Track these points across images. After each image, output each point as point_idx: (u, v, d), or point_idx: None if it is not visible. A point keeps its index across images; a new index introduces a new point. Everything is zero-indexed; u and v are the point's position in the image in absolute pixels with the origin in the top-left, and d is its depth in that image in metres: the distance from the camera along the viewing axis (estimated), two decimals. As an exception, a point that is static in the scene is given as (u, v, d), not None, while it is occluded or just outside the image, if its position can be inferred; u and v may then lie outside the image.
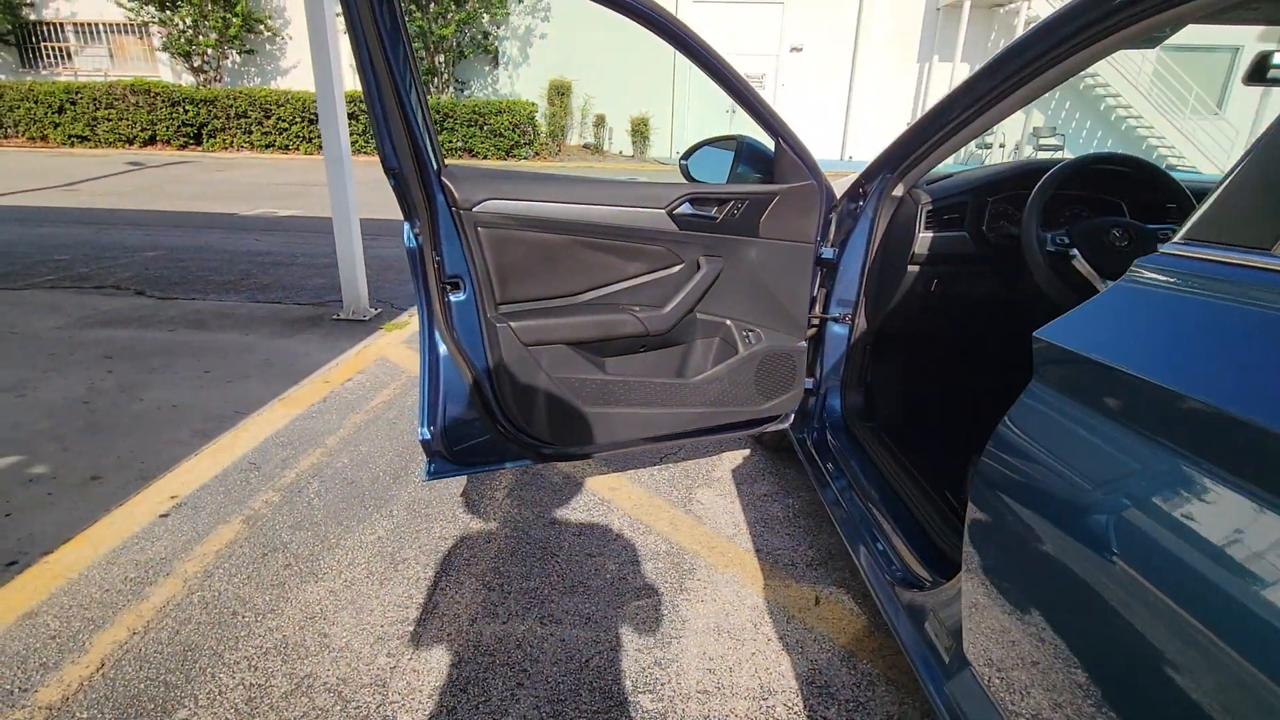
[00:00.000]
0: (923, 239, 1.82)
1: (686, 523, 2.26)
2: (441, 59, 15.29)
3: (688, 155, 2.06)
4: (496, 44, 15.91)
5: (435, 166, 1.50)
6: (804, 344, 1.99)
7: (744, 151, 1.92)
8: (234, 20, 15.08)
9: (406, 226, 1.59)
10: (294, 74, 16.18)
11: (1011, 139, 16.02)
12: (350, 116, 14.15)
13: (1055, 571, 0.82)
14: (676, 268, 1.78)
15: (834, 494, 1.91)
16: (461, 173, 1.53)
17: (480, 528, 2.19)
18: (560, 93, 15.68)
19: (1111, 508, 0.78)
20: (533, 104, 14.81)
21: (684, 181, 2.01)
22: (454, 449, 1.75)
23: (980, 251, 1.85)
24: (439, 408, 1.70)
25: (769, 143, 1.92)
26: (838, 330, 2.09)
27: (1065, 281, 1.58)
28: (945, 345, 2.23)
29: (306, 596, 1.85)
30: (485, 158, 14.73)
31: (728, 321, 1.90)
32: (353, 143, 14.34)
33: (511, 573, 1.98)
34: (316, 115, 14.37)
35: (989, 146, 15.46)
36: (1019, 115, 15.93)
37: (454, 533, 2.15)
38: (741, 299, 1.88)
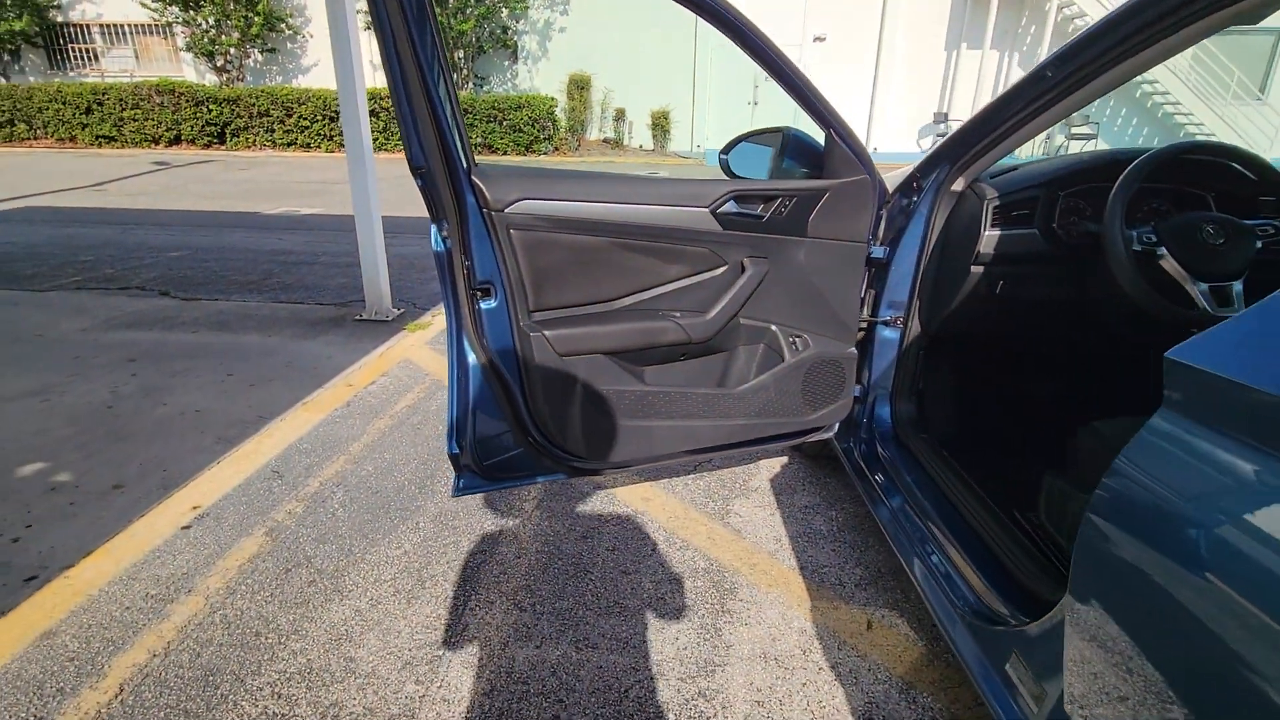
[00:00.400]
0: (989, 237, 1.69)
1: (725, 537, 2.15)
2: (461, 54, 15.24)
3: (729, 149, 1.94)
4: (516, 38, 15.82)
5: (465, 165, 1.40)
6: (853, 350, 1.87)
7: (790, 144, 1.79)
8: (255, 19, 15.15)
9: (434, 229, 1.49)
10: (315, 72, 16.24)
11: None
12: (371, 113, 14.17)
13: (1200, 633, 0.70)
14: (720, 270, 1.66)
15: (888, 511, 1.79)
16: (493, 172, 1.43)
17: (510, 542, 2.09)
18: (580, 87, 15.56)
19: (1273, 562, 0.65)
20: (552, 99, 14.71)
21: (725, 178, 1.89)
22: (484, 464, 1.66)
23: (1051, 250, 1.71)
24: (468, 421, 1.60)
25: (816, 134, 1.79)
26: (888, 334, 1.96)
27: (1152, 283, 1.44)
28: (1008, 351, 2.08)
29: (331, 616, 1.77)
30: (505, 153, 14.67)
31: (773, 327, 1.78)
32: (373, 139, 14.37)
33: (544, 592, 1.88)
34: (337, 113, 14.42)
35: None
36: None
37: (483, 547, 2.06)
38: (788, 303, 1.76)
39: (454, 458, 1.64)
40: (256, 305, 4.53)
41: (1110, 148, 1.83)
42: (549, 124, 14.59)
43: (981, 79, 15.13)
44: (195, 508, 2.23)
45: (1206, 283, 1.43)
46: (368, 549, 2.04)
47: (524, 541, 2.10)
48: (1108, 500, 0.84)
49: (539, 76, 16.13)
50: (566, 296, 1.53)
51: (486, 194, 1.38)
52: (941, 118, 15.46)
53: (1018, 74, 15.17)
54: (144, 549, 2.02)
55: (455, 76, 15.57)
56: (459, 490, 1.68)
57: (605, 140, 16.22)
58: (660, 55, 15.56)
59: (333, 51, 3.80)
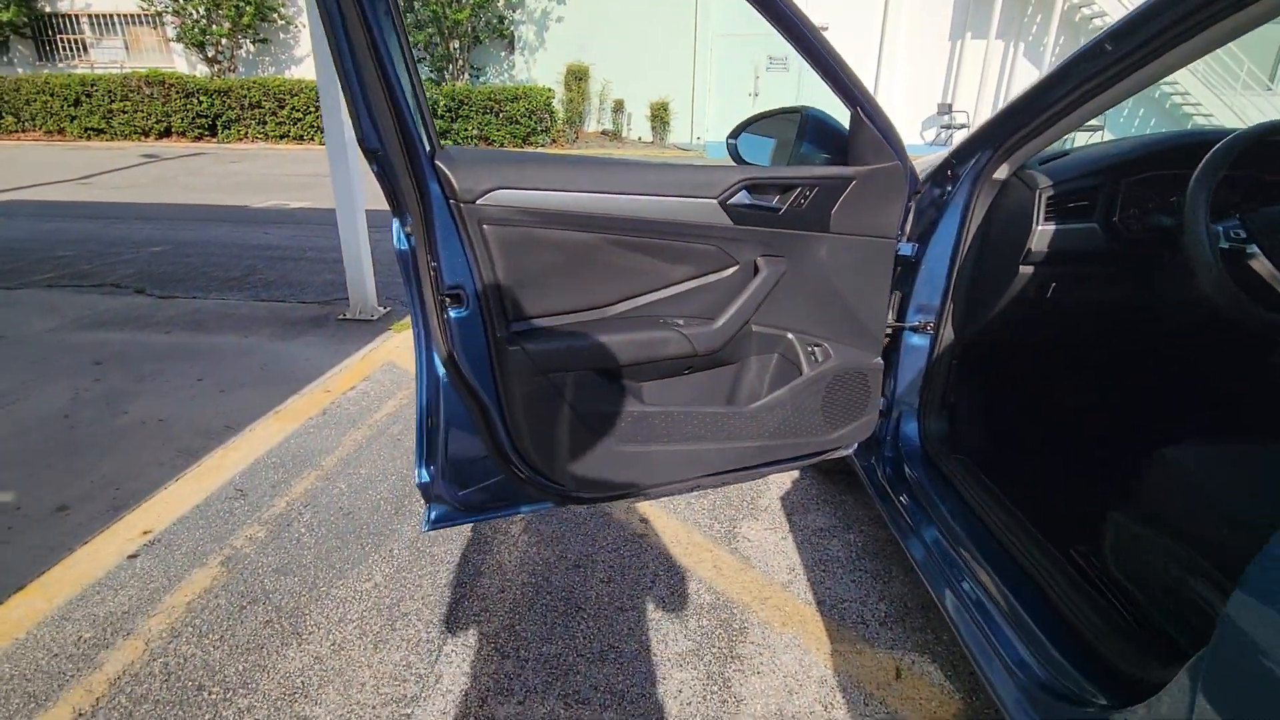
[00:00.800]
0: (1041, 232, 1.46)
1: (733, 566, 1.93)
2: (457, 45, 14.94)
3: (738, 133, 1.72)
4: (512, 28, 15.51)
5: (428, 148, 1.18)
6: (879, 361, 1.65)
7: (809, 127, 1.57)
8: (247, 9, 14.84)
9: (395, 224, 1.27)
10: (308, 63, 15.93)
11: (1048, 119, 15.28)
12: (365, 105, 13.89)
13: None
14: (730, 271, 1.44)
15: (921, 546, 1.58)
16: (462, 156, 1.21)
17: (493, 572, 1.88)
18: (577, 78, 15.26)
19: None
20: (550, 90, 14.42)
21: (734, 165, 1.67)
22: (459, 493, 1.44)
23: (1112, 248, 1.49)
24: (439, 445, 1.39)
25: (839, 115, 1.57)
26: (916, 342, 1.74)
27: (1241, 285, 1.22)
28: (1057, 363, 1.86)
29: (287, 665, 1.55)
30: (502, 145, 14.40)
31: (789, 335, 1.56)
32: (368, 132, 14.12)
33: (529, 633, 1.67)
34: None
35: (961, 127, 14.80)
36: (1056, 94, 15.23)
37: (463, 579, 1.85)
38: (806, 307, 1.54)
39: (423, 487, 1.43)
40: (236, 303, 4.31)
41: (1128, 136, 1.60)
42: (546, 116, 14.31)
43: (986, 69, 14.84)
44: (146, 532, 2.02)
45: (1305, 284, 1.21)
46: (334, 581, 1.83)
47: (509, 571, 1.88)
48: (1266, 583, 0.63)
49: (536, 67, 15.83)
50: (551, 303, 1.31)
51: (454, 182, 1.16)
52: (946, 109, 15.19)
53: (1023, 65, 14.91)
54: (83, 583, 1.80)
55: (451, 67, 15.32)
56: (431, 524, 1.46)
57: (604, 132, 15.94)
58: (659, 45, 15.26)
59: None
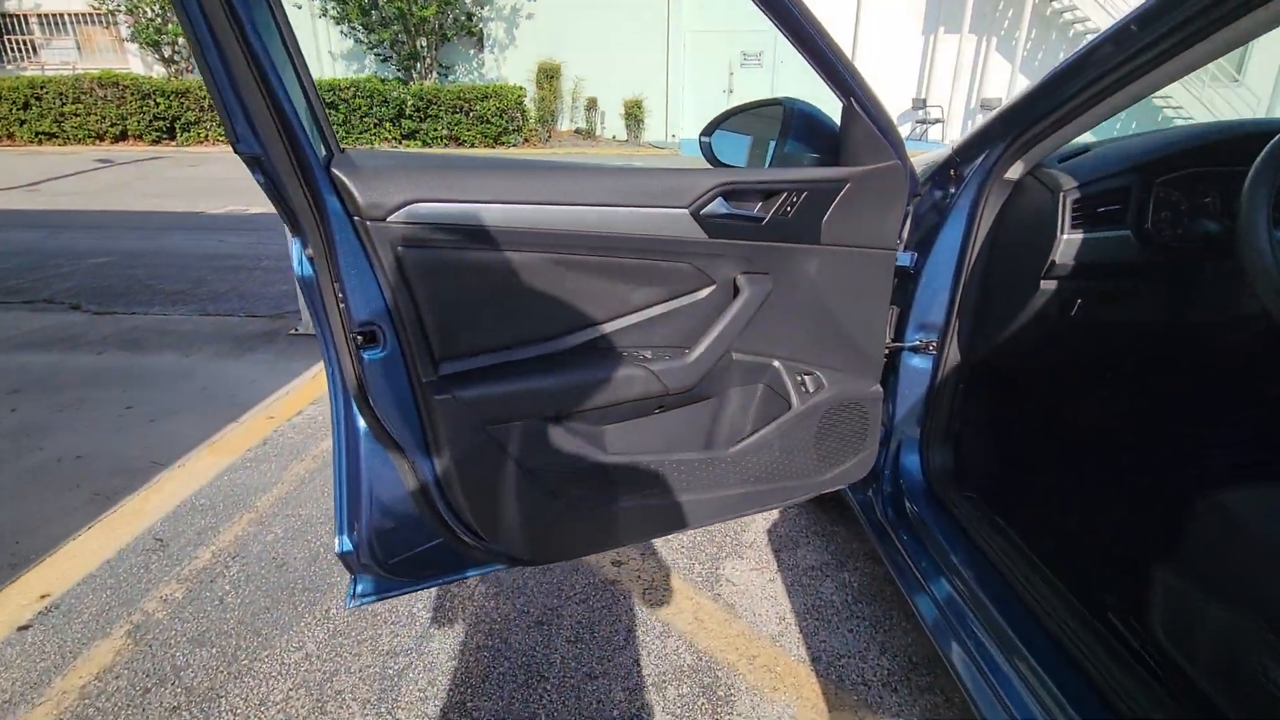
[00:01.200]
0: (1067, 243, 1.27)
1: (715, 617, 1.72)
2: (423, 43, 14.57)
3: (711, 129, 1.50)
4: (481, 25, 15.18)
5: (324, 151, 0.95)
6: (879, 389, 1.44)
7: (794, 121, 1.36)
8: (205, 6, 14.33)
9: (294, 245, 1.04)
10: (271, 62, 15.46)
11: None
12: (330, 105, 13.47)
13: None
14: (705, 292, 1.23)
15: (927, 598, 1.38)
16: (367, 162, 0.97)
17: (444, 634, 1.65)
18: (549, 76, 14.97)
19: None
20: (521, 88, 14.12)
21: (709, 167, 1.45)
22: (389, 561, 1.21)
23: (1147, 259, 1.30)
24: (362, 506, 1.16)
25: (827, 107, 1.37)
26: (917, 364, 1.55)
27: None
28: (1081, 390, 1.66)
29: (192, 766, 1.31)
30: (472, 146, 14.07)
31: (776, 363, 1.35)
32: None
33: (484, 711, 1.44)
34: (294, 105, 13.76)
35: (936, 121, 14.80)
36: (1027, 83, 15.27)
37: (408, 644, 1.62)
38: (795, 331, 1.33)
39: (345, 557, 1.19)
40: (180, 318, 4.01)
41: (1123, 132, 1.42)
42: (518, 115, 14.01)
43: (960, 64, 14.83)
44: (44, 596, 1.75)
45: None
46: (258, 652, 1.58)
47: (462, 632, 1.66)
48: None
49: (506, 65, 15.51)
50: (488, 339, 1.08)
51: (356, 195, 0.93)
52: (920, 104, 15.14)
53: (996, 59, 14.92)
54: (-42, 665, 1.54)
55: (419, 66, 14.96)
56: (356, 599, 1.23)
57: (577, 131, 15.67)
58: (632, 42, 15.03)
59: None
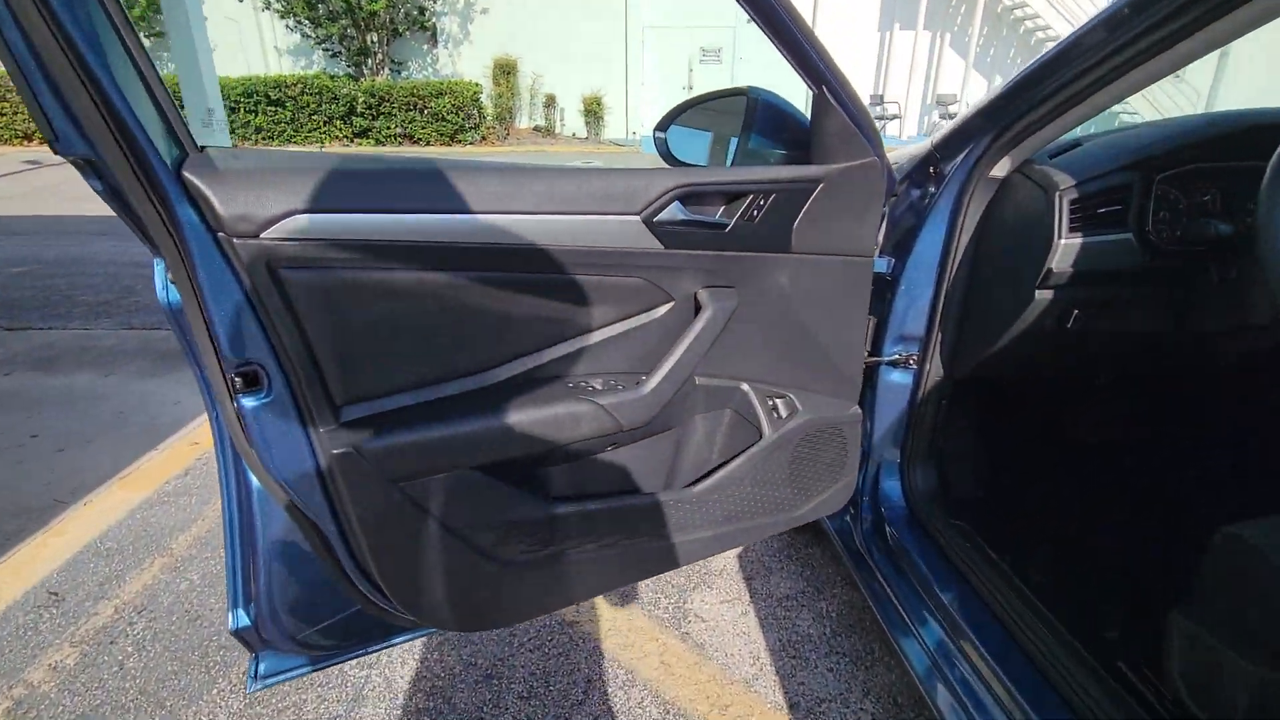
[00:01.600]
0: (1065, 248, 1.14)
1: (684, 659, 1.57)
2: (374, 37, 14.12)
3: (667, 123, 1.34)
4: (434, 20, 14.77)
5: (175, 151, 0.76)
6: (857, 410, 1.30)
7: (759, 113, 1.21)
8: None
9: (155, 266, 0.85)
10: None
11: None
12: (276, 103, 12.95)
13: None
14: (662, 310, 1.07)
15: (913, 638, 1.25)
16: (231, 163, 0.79)
17: (379, 694, 1.46)
18: (506, 72, 14.64)
19: None
20: (476, 84, 13.78)
21: (666, 167, 1.29)
22: (299, 635, 1.03)
23: (1151, 264, 1.18)
24: (261, 573, 0.97)
25: (795, 99, 1.22)
26: (896, 379, 1.42)
27: None
28: (1078, 408, 1.55)
29: None
30: (428, 144, 13.69)
31: (743, 386, 1.20)
32: (274, 129, 13.14)
33: (421, 791, 1.26)
34: (239, 102, 13.19)
35: (951, 116, 14.97)
36: (980, 79, 15.51)
37: (337, 711, 1.43)
38: (765, 350, 1.19)
39: (242, 634, 1.00)
40: (101, 333, 3.70)
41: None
42: (475, 112, 13.68)
43: (915, 60, 14.98)
44: (-92, 670, 1.51)
45: None
46: (161, 729, 1.38)
47: (400, 691, 1.47)
48: None
49: (461, 61, 15.14)
50: (402, 376, 0.91)
51: (216, 205, 0.74)
52: (878, 100, 15.22)
53: (950, 55, 15.10)
54: None
55: (370, 62, 14.52)
56: (258, 680, 1.04)
57: (536, 128, 15.39)
58: (590, 38, 14.81)
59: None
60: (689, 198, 1.02)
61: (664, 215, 1.00)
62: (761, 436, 1.19)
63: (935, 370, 1.38)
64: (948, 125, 1.29)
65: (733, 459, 1.19)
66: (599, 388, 1.02)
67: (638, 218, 0.98)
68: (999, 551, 1.31)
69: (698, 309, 1.09)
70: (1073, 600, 1.20)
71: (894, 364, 1.41)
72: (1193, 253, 1.17)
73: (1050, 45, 1.07)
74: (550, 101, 15.13)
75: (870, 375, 1.43)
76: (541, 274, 0.95)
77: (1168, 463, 1.49)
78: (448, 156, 1.10)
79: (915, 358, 1.39)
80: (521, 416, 0.94)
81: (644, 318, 1.07)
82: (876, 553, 1.45)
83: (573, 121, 15.42)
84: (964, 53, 14.84)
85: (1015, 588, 1.22)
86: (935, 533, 1.37)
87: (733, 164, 1.25)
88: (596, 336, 1.04)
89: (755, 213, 1.07)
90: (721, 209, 1.07)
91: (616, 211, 0.97)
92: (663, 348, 1.09)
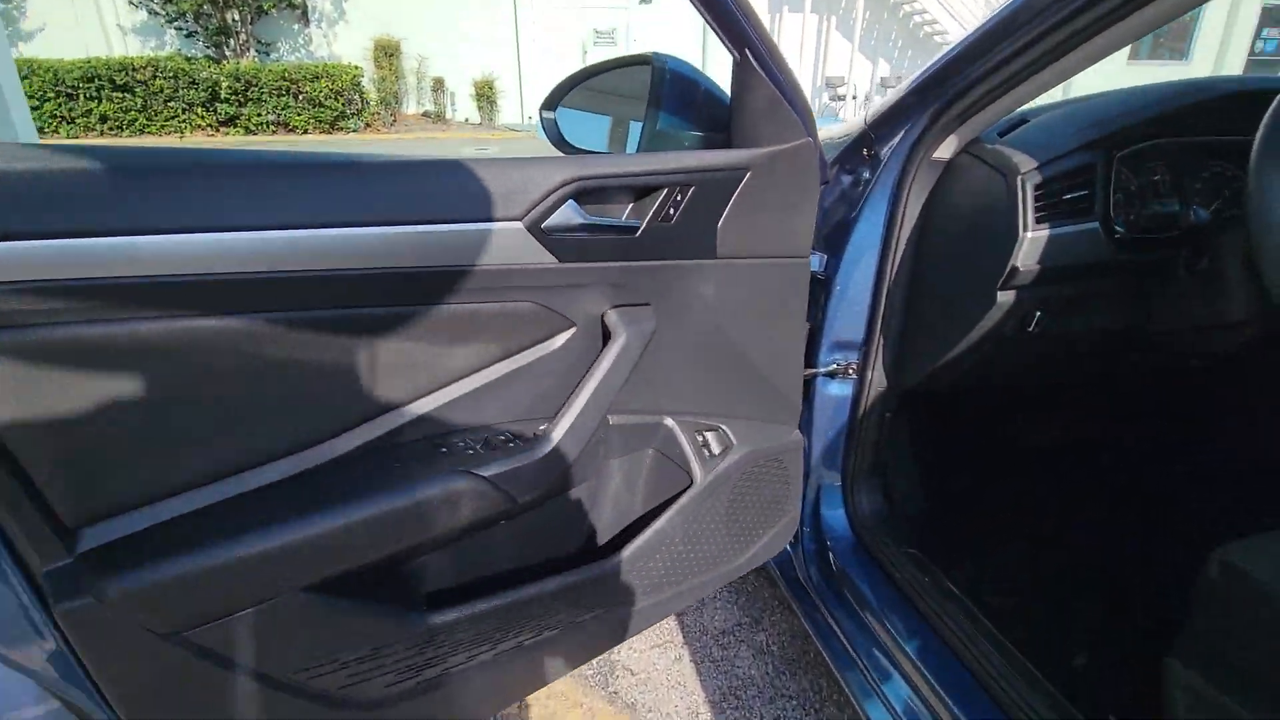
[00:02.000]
0: (1031, 243, 0.99)
1: (614, 726, 1.36)
2: (234, 16, 12.87)
3: (554, 101, 1.10)
4: (304, -2, 13.64)
5: None
6: (799, 436, 1.12)
7: (667, 87, 0.99)
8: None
9: None
10: (41, 39, 13.09)
11: (863, 89, 16.02)
12: (123, 88, 11.59)
13: None
14: (562, 339, 0.84)
15: (867, 684, 1.10)
16: None
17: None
18: (388, 53, 13.73)
19: None
20: (357, 68, 12.85)
21: (559, 155, 1.05)
22: None
23: (1114, 256, 1.05)
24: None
25: (713, 69, 1.01)
26: (834, 392, 1.25)
27: None
28: (1043, 418, 1.43)
29: None
30: (305, 132, 12.68)
31: (667, 421, 0.99)
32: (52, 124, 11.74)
33: None
34: (75, 88, 11.70)
35: (841, 98, 15.34)
36: (865, 62, 16.03)
37: None
38: (691, 375, 0.98)
39: None
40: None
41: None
42: (356, 97, 12.77)
43: (804, 42, 15.27)
44: None
45: None
46: None
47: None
48: None
49: (338, 42, 14.08)
50: (174, 469, 0.63)
51: None
52: (830, 83, 15.42)
53: (837, 37, 15.50)
54: None
55: (232, 43, 13.30)
56: None
57: (425, 114, 14.58)
58: (478, 18, 14.16)
59: None
60: (586, 195, 0.79)
61: (556, 219, 0.76)
62: (692, 482, 0.99)
63: (878, 380, 1.23)
64: (882, 100, 1.12)
65: (659, 512, 0.98)
66: (481, 450, 0.78)
67: (520, 224, 0.74)
68: (954, 578, 1.18)
69: (607, 335, 0.86)
70: (1037, 630, 1.08)
71: (832, 375, 1.24)
72: (1160, 241, 1.06)
73: (928, 32, 0.91)
74: (439, 85, 14.37)
75: (805, 389, 1.25)
76: (389, 307, 0.69)
77: (1135, 473, 1.41)
78: (324, 148, 0.81)
79: (855, 366, 1.23)
80: (369, 510, 0.69)
81: (538, 351, 0.83)
82: (820, 585, 1.29)
83: (465, 106, 14.74)
84: (850, 35, 15.26)
85: (979, 625, 1.08)
86: (885, 563, 1.22)
87: (641, 149, 1.02)
88: (476, 381, 0.80)
89: (671, 211, 0.85)
90: (629, 208, 0.85)
91: (492, 218, 0.73)
92: (566, 385, 0.86)
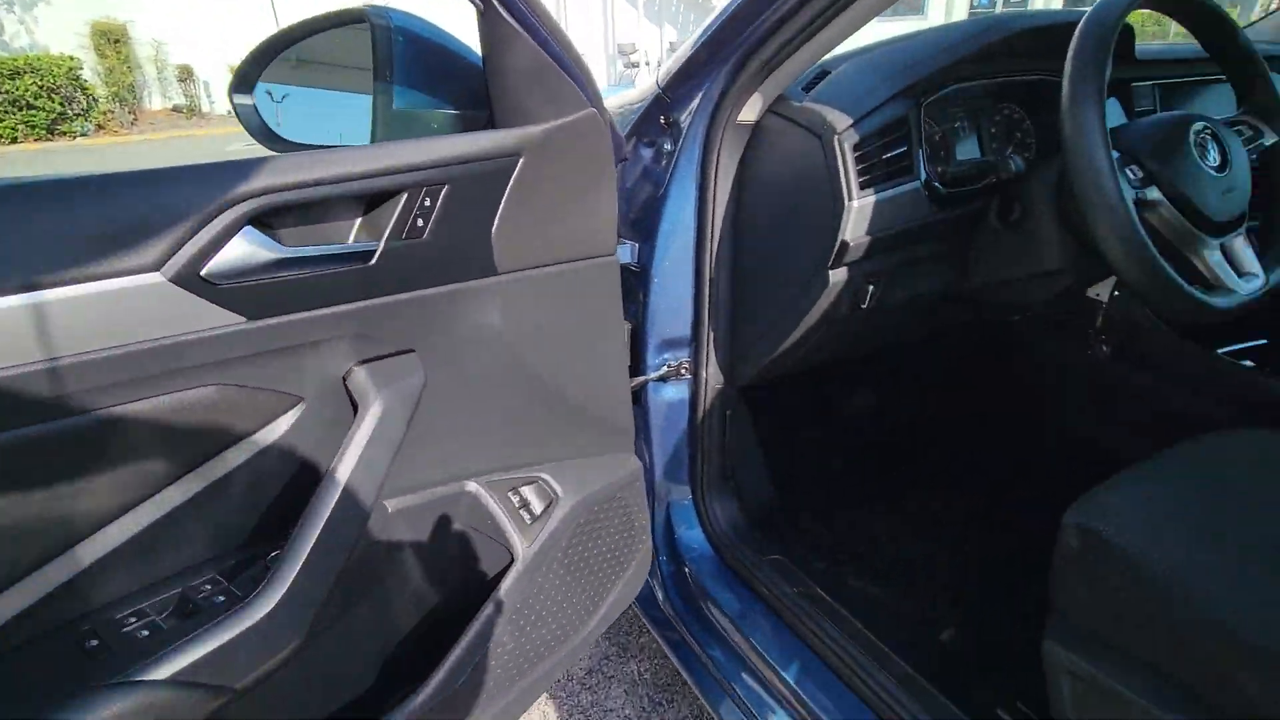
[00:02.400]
0: (858, 213, 0.87)
1: (476, 831, 1.14)
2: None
3: (253, 78, 0.81)
4: (-18, -25, 11.10)
5: None
6: (638, 463, 0.95)
7: (397, 51, 0.74)
8: None
9: None
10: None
11: (654, 55, 16.16)
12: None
13: None
14: (284, 424, 0.58)
15: (737, 705, 0.98)
16: None
17: None
18: (113, 40, 11.58)
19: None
20: (72, 58, 10.76)
21: (263, 152, 0.76)
22: None
23: (936, 216, 0.97)
24: None
25: (458, 27, 0.78)
26: (669, 396, 1.10)
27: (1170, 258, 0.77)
28: (889, 397, 1.35)
29: None
30: (14, 141, 10.44)
31: (469, 487, 0.77)
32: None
33: None
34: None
35: (635, 65, 15.41)
36: (653, 28, 16.21)
37: None
38: (489, 423, 0.76)
39: None
40: None
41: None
42: (79, 93, 10.70)
43: (590, 11, 15.11)
44: None
45: (1218, 239, 0.82)
46: None
47: None
48: None
49: (41, 28, 11.66)
50: None
51: None
52: (624, 50, 15.13)
53: (622, 5, 15.50)
54: None
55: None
56: None
57: (176, 108, 12.59)
58: (222, -6, 12.37)
59: None
60: (278, 216, 0.53)
61: (229, 259, 0.50)
62: (513, 559, 0.78)
63: (714, 377, 1.09)
64: (673, 58, 0.96)
65: (477, 610, 0.76)
66: (172, 622, 0.51)
67: (158, 275, 0.47)
68: (822, 579, 1.08)
69: (354, 410, 0.62)
70: (916, 629, 1.02)
71: (663, 379, 1.08)
72: (975, 194, 1.00)
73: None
74: (186, 74, 12.44)
75: (637, 398, 1.09)
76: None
77: (982, 438, 1.40)
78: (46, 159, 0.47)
79: (687, 365, 1.08)
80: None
81: (248, 447, 0.57)
82: (683, 612, 1.15)
83: (223, 98, 12.90)
84: (634, 2, 15.33)
85: (852, 630, 0.99)
86: (749, 577, 1.10)
87: (375, 137, 0.77)
88: (152, 513, 0.52)
89: (420, 222, 0.62)
90: (357, 223, 0.61)
91: (109, 272, 0.46)
92: (305, 482, 0.60)
